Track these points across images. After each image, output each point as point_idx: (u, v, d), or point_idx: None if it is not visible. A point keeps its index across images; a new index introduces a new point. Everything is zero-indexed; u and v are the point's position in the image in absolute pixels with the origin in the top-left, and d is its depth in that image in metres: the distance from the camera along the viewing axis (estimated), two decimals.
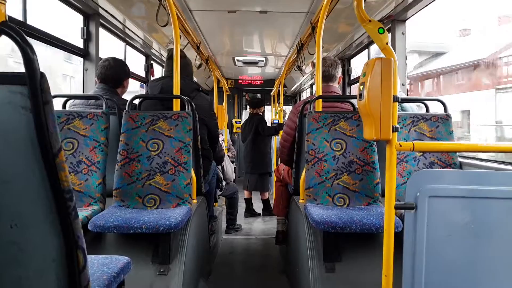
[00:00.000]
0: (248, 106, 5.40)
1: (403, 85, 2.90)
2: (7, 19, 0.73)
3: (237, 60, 6.09)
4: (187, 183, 2.11)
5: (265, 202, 5.16)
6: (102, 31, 3.02)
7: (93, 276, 1.13)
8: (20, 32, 0.72)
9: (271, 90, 7.86)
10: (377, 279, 1.52)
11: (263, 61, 6.11)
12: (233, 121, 8.32)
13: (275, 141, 5.82)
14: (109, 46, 3.46)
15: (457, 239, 1.19)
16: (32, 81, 0.73)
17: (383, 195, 2.04)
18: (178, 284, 1.86)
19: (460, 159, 2.23)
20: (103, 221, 1.76)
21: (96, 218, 1.79)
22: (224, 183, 3.95)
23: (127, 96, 2.52)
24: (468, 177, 1.22)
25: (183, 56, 2.66)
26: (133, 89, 4.61)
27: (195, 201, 2.30)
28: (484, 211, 1.18)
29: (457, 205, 1.20)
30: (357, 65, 4.43)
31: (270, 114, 8.27)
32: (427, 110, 2.45)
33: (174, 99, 2.38)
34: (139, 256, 1.89)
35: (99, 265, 1.22)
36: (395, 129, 1.30)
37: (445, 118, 2.29)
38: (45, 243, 0.86)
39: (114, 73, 2.44)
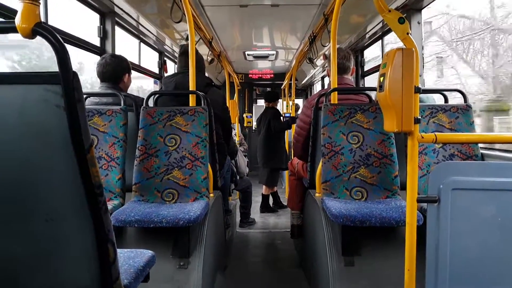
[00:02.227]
0: (264, 100, 5.37)
1: (420, 75, 2.86)
2: (41, 20, 0.74)
3: (248, 55, 6.08)
4: (204, 178, 2.13)
5: (273, 195, 5.18)
6: (117, 29, 3.05)
7: (121, 269, 1.15)
8: (54, 33, 0.74)
9: (282, 84, 7.83)
10: (397, 273, 1.52)
11: (273, 54, 6.09)
12: (244, 115, 8.33)
13: (287, 135, 5.80)
14: (125, 44, 3.50)
15: (482, 232, 1.18)
16: (66, 80, 0.75)
17: (401, 188, 2.03)
18: (198, 277, 1.89)
19: (482, 151, 2.20)
20: (124, 216, 1.79)
21: (118, 212, 1.83)
22: (238, 177, 3.97)
23: (141, 93, 2.53)
24: (493, 169, 1.20)
25: (195, 52, 2.67)
26: (147, 86, 4.65)
27: (212, 195, 2.32)
28: (510, 204, 1.17)
29: (482, 198, 1.18)
30: (370, 56, 4.38)
31: (281, 107, 8.25)
32: (446, 100, 2.42)
33: (190, 95, 2.40)
34: (160, 250, 1.92)
35: (126, 258, 1.24)
36: (417, 121, 1.29)
37: (465, 109, 2.25)
38: (78, 237, 0.88)
39: (111, 70, 2.41)
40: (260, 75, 8.38)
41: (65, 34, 2.39)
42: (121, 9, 2.87)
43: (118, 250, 1.30)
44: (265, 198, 5.12)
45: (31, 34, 0.74)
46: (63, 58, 0.74)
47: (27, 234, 0.86)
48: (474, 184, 1.18)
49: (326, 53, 4.34)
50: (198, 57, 2.73)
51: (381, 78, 1.35)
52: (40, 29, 0.74)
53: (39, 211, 0.84)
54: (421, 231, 1.24)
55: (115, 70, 2.44)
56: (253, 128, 8.72)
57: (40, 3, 0.74)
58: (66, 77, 0.75)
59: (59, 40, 0.74)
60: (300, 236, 2.97)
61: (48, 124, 0.78)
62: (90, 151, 0.82)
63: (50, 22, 2.21)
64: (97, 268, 0.91)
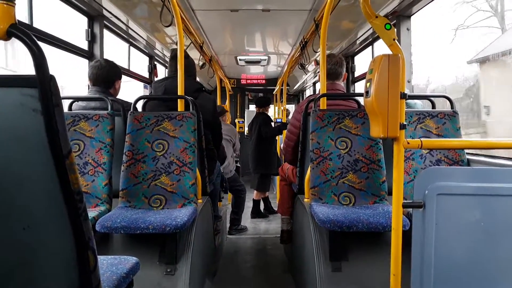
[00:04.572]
0: (255, 105, 5.38)
1: (408, 81, 2.88)
2: (17, 21, 0.73)
3: (240, 60, 6.08)
4: (192, 183, 2.11)
5: (264, 200, 5.17)
6: (106, 32, 3.03)
7: (103, 276, 1.13)
8: (30, 34, 0.73)
9: (274, 89, 7.84)
10: (384, 278, 1.52)
11: (265, 60, 6.10)
12: (236, 120, 8.31)
13: (278, 140, 5.80)
14: (114, 48, 3.47)
15: (467, 237, 1.18)
16: (43, 83, 0.73)
17: (389, 194, 2.03)
18: (185, 284, 1.86)
19: (468, 156, 2.22)
20: (110, 222, 1.77)
21: (103, 219, 1.80)
22: (227, 182, 3.95)
23: (131, 97, 2.51)
24: (478, 174, 1.20)
25: (186, 56, 2.66)
26: (137, 90, 4.62)
27: (200, 201, 2.30)
28: (494, 208, 1.17)
29: (467, 203, 1.19)
30: (361, 62, 4.41)
31: (272, 113, 8.26)
32: (433, 106, 2.44)
33: (178, 100, 2.38)
34: (146, 256, 1.90)
35: (108, 265, 1.22)
36: (402, 127, 1.29)
37: (452, 115, 2.28)
38: (56, 244, 0.86)
39: (105, 73, 2.41)
40: (252, 80, 8.38)
41: (51, 37, 2.36)
42: (110, 12, 2.85)
43: (102, 257, 1.28)
44: (256, 203, 5.11)
45: (5, 36, 0.72)
46: (39, 61, 0.72)
47: (3, 242, 0.84)
48: (458, 189, 1.19)
49: (318, 59, 4.37)
50: (189, 62, 2.72)
51: (368, 84, 1.36)
52: (15, 31, 0.72)
53: (16, 218, 0.82)
54: (408, 236, 1.24)
55: (109, 75, 2.43)
56: (245, 134, 8.71)
57: (15, 4, 0.72)
58: (43, 80, 0.73)
59: (35, 42, 0.72)
60: (290, 241, 2.96)
61: (25, 128, 0.76)
62: (69, 157, 0.81)
63: (35, 25, 2.18)
64: (77, 276, 0.89)
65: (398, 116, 1.28)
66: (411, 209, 1.20)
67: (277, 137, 5.60)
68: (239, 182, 4.42)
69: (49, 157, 0.78)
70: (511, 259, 1.19)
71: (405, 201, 1.23)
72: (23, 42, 0.72)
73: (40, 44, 0.74)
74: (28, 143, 0.77)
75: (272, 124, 5.36)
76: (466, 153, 2.23)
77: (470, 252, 1.19)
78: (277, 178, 5.31)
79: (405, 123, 1.30)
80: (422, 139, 1.27)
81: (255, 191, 5.11)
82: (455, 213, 1.19)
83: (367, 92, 1.36)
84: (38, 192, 0.81)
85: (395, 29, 1.47)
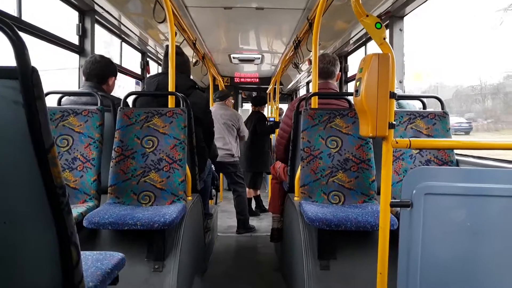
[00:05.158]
0: (251, 104, 5.38)
1: (400, 82, 2.90)
2: None
3: (233, 58, 6.06)
4: (182, 180, 2.10)
5: (256, 199, 5.17)
6: (97, 28, 2.99)
7: (87, 272, 1.11)
8: (10, 25, 0.71)
9: (267, 88, 7.84)
10: (372, 277, 1.52)
11: (259, 58, 6.09)
12: None
13: (272, 139, 5.81)
14: (106, 43, 3.44)
15: (453, 237, 1.19)
16: (24, 75, 0.72)
17: (378, 193, 2.04)
18: (173, 280, 1.85)
19: (457, 157, 2.24)
20: (98, 218, 1.75)
21: (91, 214, 1.78)
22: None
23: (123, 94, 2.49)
24: (465, 174, 1.21)
25: (180, 53, 2.64)
26: (129, 87, 4.58)
27: (190, 198, 2.29)
28: (481, 209, 1.18)
29: (454, 202, 1.20)
30: (354, 62, 4.43)
31: (266, 112, 8.26)
32: (424, 107, 2.45)
33: (169, 96, 2.36)
34: (134, 253, 1.88)
35: (93, 261, 1.20)
36: (391, 126, 1.29)
37: (442, 116, 2.29)
38: (38, 239, 0.85)
39: (99, 68, 2.40)
40: (246, 79, 8.37)
41: (41, 30, 2.33)
42: (102, 7, 2.82)
43: (87, 253, 1.27)
44: (248, 201, 5.11)
45: None
46: (21, 52, 0.71)
47: None
48: (446, 189, 1.20)
49: (311, 58, 4.37)
50: (184, 59, 2.70)
51: (358, 83, 1.36)
52: None
53: None
54: (397, 235, 1.24)
55: (103, 70, 2.43)
56: None
57: None
58: (25, 72, 0.72)
59: (16, 33, 0.71)
60: (280, 239, 2.97)
61: (5, 120, 0.74)
62: (51, 150, 0.79)
63: (24, 18, 2.14)
64: (59, 272, 0.88)
65: (387, 115, 1.29)
66: (399, 208, 1.21)
67: (270, 136, 5.61)
68: (241, 175, 4.37)
69: (31, 150, 0.76)
70: (497, 259, 1.20)
71: (393, 200, 1.23)
72: (4, 33, 0.70)
73: (30, 37, 0.73)
74: (9, 135, 0.76)
75: (266, 122, 5.38)
76: (456, 154, 2.25)
77: (456, 252, 1.20)
78: (269, 176, 5.30)
79: (394, 122, 1.30)
80: (411, 139, 1.28)
81: (247, 189, 5.12)
82: (442, 212, 1.20)
83: (356, 91, 1.36)
84: (19, 185, 0.80)
85: (387, 29, 1.47)
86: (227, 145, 4.26)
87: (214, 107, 4.40)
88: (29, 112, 0.74)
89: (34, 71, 0.73)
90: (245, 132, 4.57)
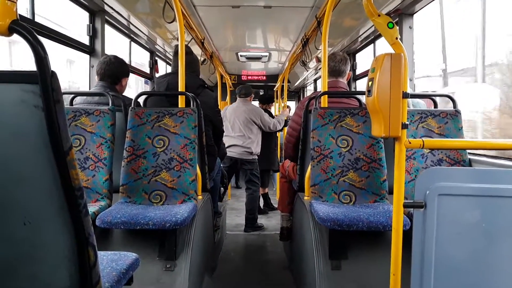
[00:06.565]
0: (258, 102, 5.38)
1: (410, 80, 2.87)
2: (18, 18, 0.72)
3: (241, 56, 6.06)
4: (192, 180, 2.11)
5: (264, 197, 5.18)
6: (107, 28, 3.01)
7: (103, 272, 1.13)
8: (31, 30, 0.72)
9: (274, 86, 7.83)
10: (384, 277, 1.52)
11: (266, 56, 6.08)
12: None
13: (279, 137, 5.80)
14: (115, 43, 3.46)
15: (467, 238, 1.18)
16: (44, 79, 0.73)
17: (390, 193, 2.03)
18: (184, 279, 1.87)
19: (469, 156, 2.21)
20: (110, 217, 1.77)
21: (104, 214, 1.80)
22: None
23: (133, 93, 2.51)
24: (479, 175, 1.20)
25: (190, 52, 2.65)
26: (134, 86, 4.60)
27: (200, 197, 2.30)
28: (496, 210, 1.17)
29: (468, 203, 1.19)
30: (363, 60, 4.40)
31: (273, 109, 8.25)
32: (436, 106, 2.43)
33: (179, 96, 2.38)
34: (146, 252, 1.90)
35: (108, 261, 1.22)
36: (404, 126, 1.29)
37: (454, 114, 2.27)
38: (57, 240, 0.86)
39: (113, 69, 2.44)
40: (253, 77, 8.36)
41: (53, 32, 2.36)
42: (112, 7, 2.84)
43: (102, 253, 1.28)
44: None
45: (7, 32, 0.72)
46: (41, 57, 0.72)
47: (4, 237, 0.84)
48: (460, 190, 1.18)
49: (319, 56, 4.35)
50: (193, 58, 2.71)
51: (370, 83, 1.35)
52: (17, 27, 0.72)
53: (17, 214, 0.82)
54: (408, 236, 1.24)
55: (117, 71, 2.47)
56: None
57: (16, 1, 0.72)
58: (44, 76, 0.73)
59: (37, 38, 0.72)
60: (289, 238, 2.97)
61: (26, 125, 0.76)
62: (70, 153, 0.80)
63: (37, 19, 2.17)
64: (77, 272, 0.89)
65: (400, 115, 1.28)
66: (412, 209, 1.20)
67: (277, 134, 5.60)
68: (257, 173, 4.37)
69: (50, 153, 0.78)
70: None
71: (406, 201, 1.22)
72: (25, 38, 0.71)
73: (42, 39, 0.74)
74: (29, 139, 0.77)
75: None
76: (468, 153, 2.23)
77: (471, 253, 1.19)
78: (277, 174, 5.30)
79: (407, 122, 1.30)
80: (423, 138, 1.27)
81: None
82: (456, 214, 1.19)
83: (369, 91, 1.35)
84: (38, 188, 0.81)
85: (398, 28, 1.46)
86: (246, 142, 4.27)
87: (236, 102, 4.41)
88: (49, 115, 0.75)
89: (53, 76, 0.74)
90: (270, 123, 4.49)
